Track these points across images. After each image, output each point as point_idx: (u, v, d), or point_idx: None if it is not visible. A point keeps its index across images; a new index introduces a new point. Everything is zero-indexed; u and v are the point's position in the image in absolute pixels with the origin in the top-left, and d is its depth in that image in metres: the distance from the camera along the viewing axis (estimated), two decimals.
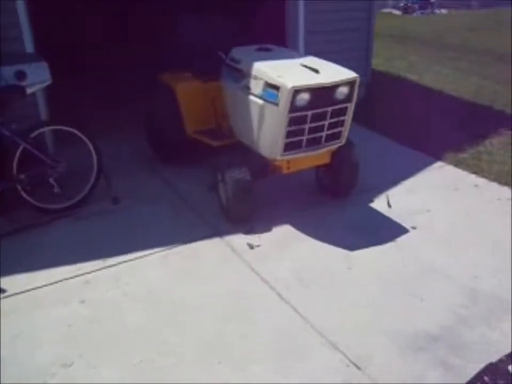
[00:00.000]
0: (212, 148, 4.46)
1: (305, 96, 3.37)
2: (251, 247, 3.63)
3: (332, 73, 3.53)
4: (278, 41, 5.92)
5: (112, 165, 4.55)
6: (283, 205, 4.18)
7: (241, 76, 3.80)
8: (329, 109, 3.54)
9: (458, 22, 12.10)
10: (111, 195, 4.30)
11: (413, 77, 8.10)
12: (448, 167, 4.94)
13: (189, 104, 4.62)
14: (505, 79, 8.35)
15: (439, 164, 5.00)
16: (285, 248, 3.62)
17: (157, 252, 3.59)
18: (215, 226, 3.88)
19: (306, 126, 3.55)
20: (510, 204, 4.19)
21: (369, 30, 6.59)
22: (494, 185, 4.55)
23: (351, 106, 3.66)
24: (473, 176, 4.75)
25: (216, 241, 3.72)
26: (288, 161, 3.74)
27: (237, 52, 4.02)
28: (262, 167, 3.95)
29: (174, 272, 3.39)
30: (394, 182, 4.61)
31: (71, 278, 3.34)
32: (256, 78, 3.60)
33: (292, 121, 3.45)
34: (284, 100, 3.33)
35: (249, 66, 3.70)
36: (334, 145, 3.81)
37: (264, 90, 3.51)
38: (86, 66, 7.75)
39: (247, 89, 3.71)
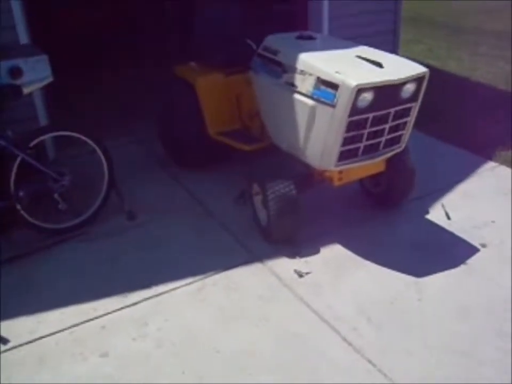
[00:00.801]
0: (239, 153, 3.86)
1: (368, 96, 2.79)
2: (300, 275, 3.07)
3: (397, 67, 2.94)
4: (300, 26, 5.34)
5: (123, 172, 3.90)
6: (327, 220, 3.60)
7: (282, 70, 3.19)
8: (392, 110, 2.96)
9: (470, 3, 11.48)
10: (125, 209, 3.69)
11: (434, 63, 7.50)
12: (502, 168, 4.39)
13: (211, 101, 4.00)
14: None
15: (490, 164, 4.45)
16: (340, 276, 3.06)
17: (188, 284, 3.01)
18: (252, 248, 3.30)
19: (366, 131, 2.96)
20: None
21: (396, 12, 5.97)
22: None
23: (416, 106, 3.08)
24: None
25: (257, 268, 3.14)
26: (340, 172, 3.16)
27: (273, 41, 3.39)
28: (307, 177, 3.37)
29: (214, 310, 2.82)
30: (446, 187, 4.05)
31: (86, 321, 2.76)
32: (303, 73, 2.99)
33: (350, 126, 2.87)
34: (344, 100, 2.74)
35: (293, 59, 3.10)
36: (393, 152, 3.23)
37: (316, 88, 2.91)
38: (88, 59, 6.71)
39: (291, 86, 3.11)
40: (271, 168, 3.30)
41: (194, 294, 2.94)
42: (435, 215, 3.68)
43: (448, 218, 3.63)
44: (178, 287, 2.98)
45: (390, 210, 3.71)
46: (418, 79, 2.91)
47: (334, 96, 2.78)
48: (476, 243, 3.35)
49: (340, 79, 2.74)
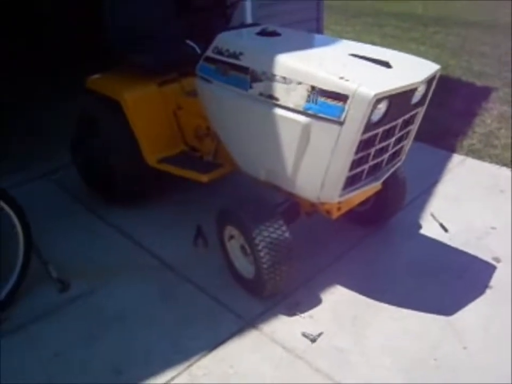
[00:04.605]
0: (183, 180, 3.09)
1: (383, 107, 2.17)
2: (312, 339, 2.39)
3: (407, 66, 2.35)
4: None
5: (36, 222, 2.85)
6: (314, 254, 2.96)
7: (251, 78, 2.46)
8: (401, 119, 2.37)
9: None
10: (52, 277, 2.76)
11: None
12: (470, 161, 4.05)
13: (144, 120, 3.16)
14: (435, 43, 7.81)
15: (457, 157, 4.09)
16: (361, 331, 2.44)
17: (175, 376, 2.21)
18: (240, 310, 2.57)
19: (373, 149, 2.35)
20: None
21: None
22: None
23: (422, 111, 2.52)
24: (504, 169, 3.91)
25: (254, 337, 2.42)
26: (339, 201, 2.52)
27: (228, 40, 2.64)
28: (293, 209, 2.70)
29: None
30: (425, 190, 3.60)
31: None
32: (287, 81, 2.29)
33: (360, 146, 2.23)
34: (357, 115, 2.09)
35: (267, 63, 2.38)
36: (395, 167, 2.66)
37: (310, 101, 2.22)
38: None
39: (268, 98, 2.40)
40: (250, 203, 2.58)
41: None
42: (429, 228, 3.20)
43: (445, 230, 3.17)
44: None
45: (380, 230, 3.17)
46: (430, 80, 2.34)
47: (342, 109, 2.11)
48: (487, 258, 2.92)
49: (350, 88, 2.07)
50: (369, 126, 2.16)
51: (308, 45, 2.63)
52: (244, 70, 2.50)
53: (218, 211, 2.66)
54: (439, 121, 4.61)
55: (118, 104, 3.12)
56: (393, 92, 2.12)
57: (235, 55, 2.56)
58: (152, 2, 3.36)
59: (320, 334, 2.42)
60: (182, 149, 3.29)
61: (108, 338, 2.41)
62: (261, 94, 2.44)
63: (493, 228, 3.18)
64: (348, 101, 2.09)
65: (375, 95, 2.03)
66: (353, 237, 3.10)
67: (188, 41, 2.98)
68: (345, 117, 2.12)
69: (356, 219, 3.13)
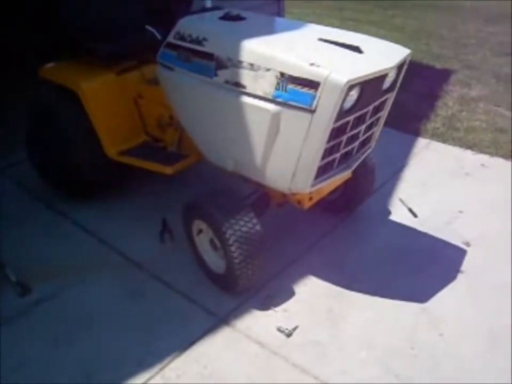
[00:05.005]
0: (147, 172, 2.96)
1: (355, 94, 2.10)
2: (287, 334, 2.34)
3: (378, 50, 2.28)
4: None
5: None
6: (284, 245, 2.90)
7: (216, 64, 2.35)
8: (371, 106, 2.31)
9: None
10: (11, 280, 2.61)
11: None
12: (436, 144, 4.06)
13: (103, 110, 3.00)
14: (395, 26, 7.83)
15: (422, 141, 4.10)
16: (336, 323, 2.40)
17: (148, 379, 2.11)
18: (212, 307, 2.48)
19: (345, 137, 2.29)
20: None
21: None
22: (500, 162, 3.78)
23: (392, 96, 2.47)
24: (469, 152, 3.94)
25: (227, 334, 2.34)
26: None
27: (190, 25, 2.51)
28: (262, 200, 2.62)
29: None
30: (392, 175, 3.59)
31: None
32: (255, 68, 2.19)
33: (332, 134, 2.16)
34: (329, 102, 2.01)
35: (233, 49, 2.27)
36: (365, 154, 2.61)
37: (279, 88, 2.13)
38: None
39: (234, 86, 2.29)
40: (219, 195, 2.48)
41: None
42: (399, 214, 3.19)
43: (415, 216, 3.16)
44: None
45: (350, 217, 3.13)
46: (401, 64, 2.29)
47: (313, 97, 2.03)
48: (458, 242, 2.93)
49: (321, 75, 1.99)
50: (341, 113, 2.09)
51: (275, 29, 2.54)
52: (208, 56, 2.38)
53: (185, 205, 2.55)
54: (403, 105, 4.60)
55: (75, 94, 2.95)
56: (366, 78, 2.05)
57: (198, 41, 2.43)
58: None
59: (295, 328, 2.36)
60: (144, 139, 3.16)
61: (76, 343, 2.29)
62: (226, 82, 2.33)
63: (461, 212, 3.20)
64: (320, 88, 2.01)
65: (348, 82, 1.96)
66: (323, 225, 3.06)
67: (148, 27, 2.82)
68: (317, 104, 2.04)
69: (326, 207, 3.07)
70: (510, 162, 3.75)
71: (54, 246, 2.89)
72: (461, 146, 4.04)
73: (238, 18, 2.57)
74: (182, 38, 2.51)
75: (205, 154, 2.70)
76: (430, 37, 7.32)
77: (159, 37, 2.74)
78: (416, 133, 4.21)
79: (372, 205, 3.24)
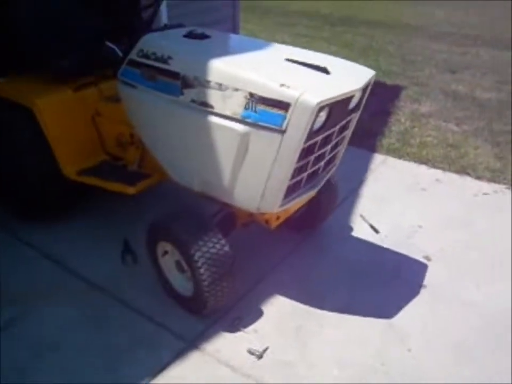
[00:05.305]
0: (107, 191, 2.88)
1: (323, 115, 2.12)
2: (258, 355, 2.31)
3: (345, 72, 2.32)
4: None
5: None
6: (248, 264, 2.87)
7: (182, 83, 2.31)
8: (338, 126, 2.34)
9: None
10: None
11: None
12: (392, 160, 4.17)
13: (60, 129, 2.89)
14: (344, 43, 8.04)
15: (379, 157, 4.21)
16: (306, 343, 2.39)
17: None
18: (180, 330, 2.42)
19: (312, 157, 2.30)
20: (495, 198, 3.61)
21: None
22: (454, 177, 3.93)
23: (356, 116, 2.52)
24: (424, 167, 4.07)
25: (197, 358, 2.28)
26: None
27: (153, 42, 2.46)
28: (228, 220, 2.60)
29: None
30: (351, 192, 3.65)
31: None
32: (223, 88, 2.17)
33: (302, 154, 2.17)
34: (300, 123, 2.02)
35: (200, 68, 2.25)
36: (330, 173, 2.64)
37: (249, 108, 2.12)
38: None
39: (201, 106, 2.27)
40: (185, 216, 2.43)
41: None
42: (360, 229, 3.24)
43: (376, 232, 3.21)
44: None
45: (314, 234, 3.15)
46: (366, 86, 2.34)
47: (283, 118, 2.04)
48: (419, 257, 3.00)
49: (292, 96, 2.00)
50: (311, 134, 2.10)
51: (241, 48, 2.53)
52: (174, 75, 2.34)
53: (149, 226, 2.48)
54: (358, 121, 4.68)
55: (29, 111, 2.83)
56: (335, 100, 2.07)
57: (163, 59, 2.39)
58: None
59: (265, 349, 2.34)
60: (103, 158, 3.06)
61: (39, 372, 2.17)
62: (193, 101, 2.30)
63: (420, 227, 3.28)
64: (290, 109, 2.01)
65: (318, 103, 1.97)
66: (288, 243, 3.06)
67: (108, 43, 2.76)
68: (287, 125, 2.04)
69: (290, 225, 3.07)
70: (466, 178, 3.89)
71: (10, 271, 2.74)
72: (415, 161, 4.16)
73: (203, 36, 2.55)
74: (146, 56, 2.46)
75: (169, 174, 2.65)
76: (378, 54, 7.55)
77: (120, 53, 2.68)
78: (372, 149, 4.31)
79: (334, 222, 3.27)
